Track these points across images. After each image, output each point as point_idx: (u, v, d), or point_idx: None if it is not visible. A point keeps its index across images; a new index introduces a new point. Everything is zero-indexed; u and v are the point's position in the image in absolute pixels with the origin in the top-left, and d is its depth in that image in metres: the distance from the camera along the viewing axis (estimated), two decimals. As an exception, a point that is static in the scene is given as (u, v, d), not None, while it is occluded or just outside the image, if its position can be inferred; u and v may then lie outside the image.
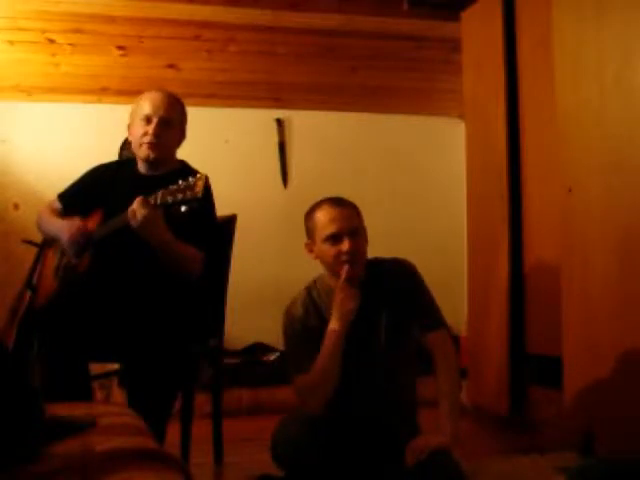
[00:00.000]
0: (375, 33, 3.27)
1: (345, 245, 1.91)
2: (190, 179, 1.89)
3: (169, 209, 1.97)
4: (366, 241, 2.01)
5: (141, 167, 2.29)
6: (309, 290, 2.06)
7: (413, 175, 4.55)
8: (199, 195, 1.87)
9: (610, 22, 2.22)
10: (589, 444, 2.18)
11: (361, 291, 1.93)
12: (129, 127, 2.32)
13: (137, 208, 1.97)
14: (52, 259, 2.35)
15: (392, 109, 4.52)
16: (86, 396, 2.06)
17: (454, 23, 3.14)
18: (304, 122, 4.43)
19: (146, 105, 2.25)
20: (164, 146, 2.26)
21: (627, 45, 2.16)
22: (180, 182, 1.91)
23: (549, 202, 2.60)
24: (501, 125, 2.86)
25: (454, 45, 3.29)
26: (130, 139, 2.32)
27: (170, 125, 2.25)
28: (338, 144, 4.48)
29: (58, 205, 2.37)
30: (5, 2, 2.81)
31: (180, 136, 2.32)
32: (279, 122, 4.38)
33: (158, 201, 1.95)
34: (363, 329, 1.95)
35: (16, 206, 3.97)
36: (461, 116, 3.84)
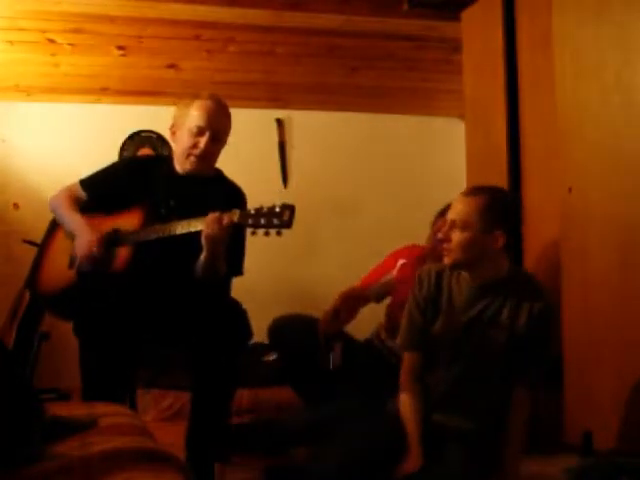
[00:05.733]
0: (375, 33, 3.26)
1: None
2: (276, 207, 1.90)
3: (241, 229, 2.01)
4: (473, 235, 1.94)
5: (178, 168, 2.27)
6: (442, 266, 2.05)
7: (413, 175, 4.55)
8: (290, 226, 1.90)
9: (610, 22, 2.22)
10: (589, 444, 2.18)
11: (496, 292, 1.94)
12: (173, 128, 2.28)
13: (214, 222, 1.97)
14: (63, 243, 2.30)
15: (392, 109, 4.52)
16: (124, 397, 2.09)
17: (454, 23, 3.13)
18: (304, 122, 4.44)
19: (200, 116, 2.19)
20: (212, 159, 2.25)
21: (627, 45, 2.16)
22: (264, 207, 1.91)
23: (549, 202, 2.60)
24: (501, 125, 2.85)
25: (454, 45, 3.28)
26: (172, 142, 2.29)
27: (220, 139, 2.23)
28: (338, 144, 4.48)
29: (81, 193, 2.31)
30: (5, 2, 2.81)
31: (224, 145, 2.30)
32: (279, 122, 4.39)
33: (236, 220, 1.96)
34: (484, 328, 1.94)
35: (16, 206, 3.97)
36: (461, 116, 3.83)
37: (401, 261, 2.54)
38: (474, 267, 1.94)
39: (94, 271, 2.13)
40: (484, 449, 1.89)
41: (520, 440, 1.90)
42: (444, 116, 4.55)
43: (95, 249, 2.10)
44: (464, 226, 1.90)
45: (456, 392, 1.96)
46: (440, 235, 1.96)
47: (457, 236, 1.90)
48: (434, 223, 2.51)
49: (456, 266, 1.96)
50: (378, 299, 2.63)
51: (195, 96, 2.25)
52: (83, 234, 2.17)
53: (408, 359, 2.05)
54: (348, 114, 4.48)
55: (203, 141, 2.18)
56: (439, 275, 2.03)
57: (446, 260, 1.96)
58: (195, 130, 2.18)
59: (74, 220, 2.24)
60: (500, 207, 1.92)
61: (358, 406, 2.11)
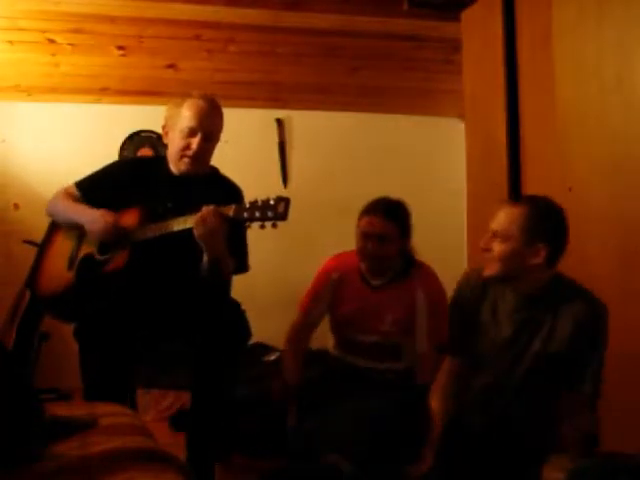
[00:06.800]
0: (375, 33, 3.27)
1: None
2: (270, 200, 1.89)
3: (239, 224, 2.00)
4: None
5: (173, 168, 2.27)
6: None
7: (413, 175, 4.55)
8: (285, 218, 1.87)
9: (610, 22, 2.22)
10: (589, 444, 2.18)
11: (539, 303, 1.89)
12: (165, 129, 2.28)
13: (208, 216, 1.96)
14: (62, 245, 2.30)
15: (392, 109, 4.52)
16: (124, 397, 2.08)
17: (454, 23, 3.13)
18: (304, 122, 4.43)
19: (191, 116, 2.18)
20: (205, 159, 2.25)
21: (627, 45, 2.16)
22: (258, 201, 1.90)
23: (549, 202, 2.60)
24: (501, 125, 2.85)
25: (454, 45, 3.29)
26: (166, 142, 2.29)
27: (213, 138, 2.23)
28: (338, 144, 4.48)
29: (76, 193, 2.31)
30: (5, 2, 2.81)
31: (217, 142, 2.29)
32: (279, 122, 4.38)
33: (231, 214, 1.95)
34: (524, 334, 1.90)
35: (16, 206, 3.97)
36: (461, 116, 3.83)
37: (334, 275, 2.51)
38: (513, 280, 1.88)
39: (114, 243, 2.12)
40: (513, 456, 1.83)
41: (572, 448, 1.82)
42: (444, 116, 4.55)
43: (110, 222, 2.10)
44: (505, 237, 1.83)
45: (490, 398, 1.93)
46: (481, 244, 1.91)
47: (498, 247, 1.84)
48: (358, 221, 2.45)
49: (494, 279, 1.91)
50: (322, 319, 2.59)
51: (186, 96, 2.24)
52: (91, 214, 2.16)
53: (449, 363, 2.03)
54: (348, 114, 4.47)
55: (195, 142, 2.17)
56: (485, 281, 1.97)
57: (486, 272, 1.90)
58: (187, 131, 2.17)
59: (77, 208, 2.24)
60: (542, 219, 1.83)
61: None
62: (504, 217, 1.85)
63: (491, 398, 1.93)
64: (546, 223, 1.83)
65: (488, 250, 1.87)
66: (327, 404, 2.20)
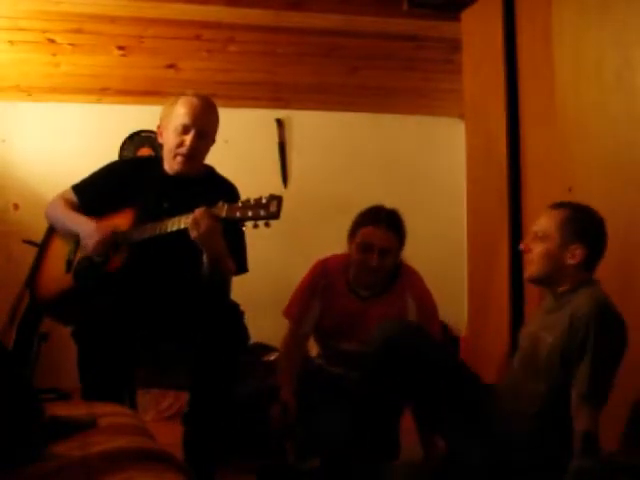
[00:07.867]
0: (375, 33, 3.27)
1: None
2: (263, 198, 1.87)
3: (235, 225, 1.98)
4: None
5: (168, 168, 2.26)
6: None
7: (413, 175, 4.55)
8: (278, 216, 1.85)
9: (610, 22, 2.22)
10: (589, 444, 2.18)
11: (563, 303, 1.88)
12: (160, 129, 2.27)
13: (201, 218, 1.94)
14: (61, 247, 2.30)
15: (392, 109, 4.52)
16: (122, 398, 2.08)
17: (454, 23, 3.13)
18: (304, 122, 4.44)
19: (185, 113, 2.18)
20: (198, 158, 2.24)
21: (627, 45, 2.16)
22: (250, 200, 1.89)
23: (549, 202, 2.59)
24: (501, 125, 2.85)
25: (454, 45, 3.28)
26: (160, 142, 2.28)
27: (207, 136, 2.22)
28: (338, 144, 4.49)
29: (73, 197, 2.30)
30: (5, 2, 2.81)
31: (212, 143, 2.29)
32: (279, 122, 4.39)
33: (224, 214, 1.93)
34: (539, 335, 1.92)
35: (16, 206, 3.98)
36: (461, 116, 3.83)
37: (321, 283, 2.45)
38: (550, 282, 1.92)
39: (104, 259, 2.12)
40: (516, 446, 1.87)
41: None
42: (444, 116, 4.55)
43: (106, 235, 2.10)
44: (543, 238, 1.89)
45: (509, 390, 1.97)
46: (521, 246, 1.96)
47: (537, 247, 1.90)
48: (356, 232, 2.39)
49: (531, 281, 1.96)
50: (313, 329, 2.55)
51: (180, 95, 2.25)
52: (86, 228, 2.16)
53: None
54: (348, 114, 4.48)
55: (189, 139, 2.16)
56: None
57: (526, 274, 1.96)
58: (180, 129, 2.17)
59: (74, 217, 2.23)
60: (580, 222, 1.88)
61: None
62: (544, 218, 1.92)
63: (513, 390, 1.97)
64: (583, 224, 1.88)
65: (527, 251, 1.93)
66: (316, 408, 2.20)
